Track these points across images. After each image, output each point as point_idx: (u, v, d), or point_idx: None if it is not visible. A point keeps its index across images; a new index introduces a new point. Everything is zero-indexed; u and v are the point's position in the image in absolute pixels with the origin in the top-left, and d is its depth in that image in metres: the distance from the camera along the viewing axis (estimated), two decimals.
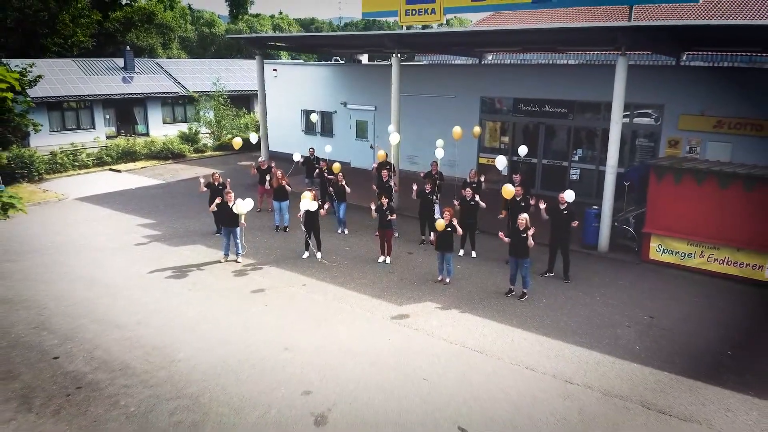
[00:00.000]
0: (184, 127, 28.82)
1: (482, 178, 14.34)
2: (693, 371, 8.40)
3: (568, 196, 11.41)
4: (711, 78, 15.83)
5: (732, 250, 11.84)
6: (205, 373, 8.22)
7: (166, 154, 25.03)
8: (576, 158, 18.14)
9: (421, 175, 14.94)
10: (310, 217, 12.60)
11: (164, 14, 46.32)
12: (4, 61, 20.07)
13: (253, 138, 16.79)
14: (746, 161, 13.41)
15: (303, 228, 12.73)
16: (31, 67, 19.45)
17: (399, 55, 16.32)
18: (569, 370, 8.38)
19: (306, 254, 13.10)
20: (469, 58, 23.02)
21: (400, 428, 7.06)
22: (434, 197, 13.50)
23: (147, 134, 30.69)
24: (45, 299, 10.81)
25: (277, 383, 7.99)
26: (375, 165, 16.31)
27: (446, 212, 11.34)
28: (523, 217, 10.66)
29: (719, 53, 19.89)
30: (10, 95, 9.21)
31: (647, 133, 16.87)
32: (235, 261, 12.79)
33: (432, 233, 12.45)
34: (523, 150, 15.10)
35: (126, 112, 31.49)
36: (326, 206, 13.89)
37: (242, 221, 12.37)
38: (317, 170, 16.25)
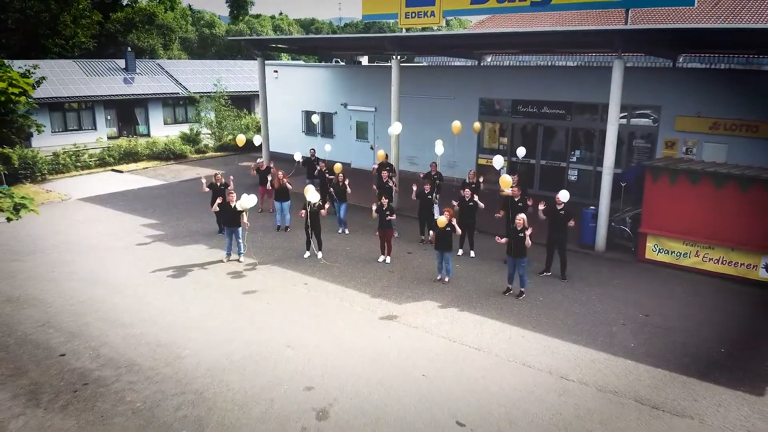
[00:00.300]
0: (184, 128, 29.02)
1: (481, 179, 14.54)
2: (686, 368, 8.59)
3: (563, 196, 11.63)
4: (707, 80, 16.03)
5: (726, 249, 12.03)
6: (209, 370, 8.42)
7: (167, 155, 25.23)
8: (574, 159, 18.34)
9: (421, 175, 15.12)
10: (312, 217, 12.79)
11: (165, 15, 46.50)
12: (8, 62, 20.19)
13: (257, 140, 17.00)
14: (742, 162, 13.61)
15: (309, 227, 12.87)
16: (35, 68, 19.63)
17: (399, 57, 16.52)
18: (565, 367, 8.57)
19: (307, 254, 13.29)
20: (468, 59, 23.21)
21: (399, 423, 7.25)
22: (434, 198, 13.70)
23: (148, 135, 30.87)
24: (51, 298, 11.00)
25: (280, 379, 8.18)
26: (375, 166, 16.50)
27: (446, 212, 11.55)
28: (521, 217, 10.85)
29: (715, 55, 20.09)
30: (23, 99, 9.44)
31: (644, 134, 17.07)
32: (238, 260, 12.98)
33: (431, 231, 12.64)
34: (521, 151, 15.29)
35: (127, 112, 31.68)
36: (327, 206, 14.08)
37: (246, 221, 12.54)
38: (318, 170, 16.43)
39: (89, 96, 29.20)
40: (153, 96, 31.76)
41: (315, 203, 12.62)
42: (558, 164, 18.65)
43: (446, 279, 11.85)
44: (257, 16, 64.70)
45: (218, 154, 27.14)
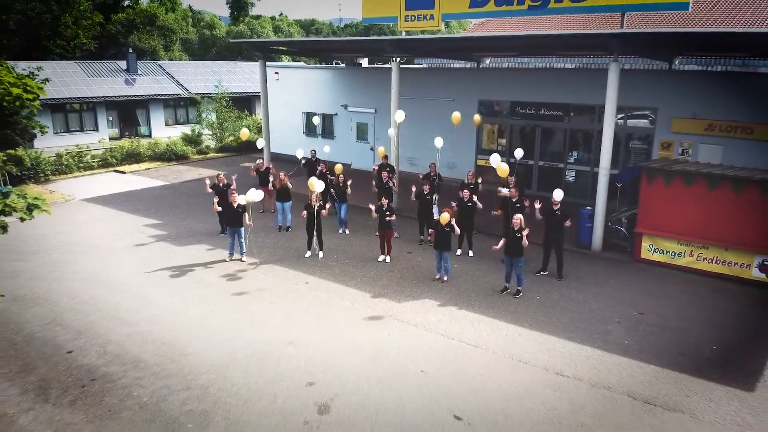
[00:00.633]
0: (185, 129, 29.24)
1: (479, 180, 14.75)
2: (679, 365, 8.80)
3: (557, 195, 11.87)
4: (703, 82, 16.25)
5: (720, 249, 12.24)
6: (213, 366, 8.63)
7: (169, 156, 25.46)
8: (571, 160, 18.56)
9: (420, 176, 15.31)
10: (314, 217, 13.01)
11: (166, 16, 46.71)
12: (12, 64, 20.40)
13: (260, 143, 17.23)
14: (737, 163, 13.83)
15: (314, 226, 13.10)
16: (39, 70, 19.85)
17: (398, 59, 16.73)
18: (560, 363, 8.78)
19: (308, 253, 13.50)
20: (467, 62, 23.43)
21: (398, 417, 7.46)
22: (433, 198, 13.90)
23: (149, 136, 31.08)
24: (56, 297, 11.20)
25: (282, 375, 8.39)
26: (376, 167, 16.69)
27: (446, 211, 11.76)
28: (518, 218, 11.07)
29: (711, 57, 20.31)
30: (36, 104, 9.67)
31: (641, 136, 17.28)
32: (240, 260, 13.18)
33: (430, 230, 12.83)
34: (518, 153, 15.49)
35: (129, 113, 31.87)
36: (328, 206, 14.28)
37: (249, 222, 12.74)
38: (318, 171, 16.61)
39: (91, 97, 29.40)
40: (154, 97, 31.97)
41: (317, 202, 12.86)
42: (556, 165, 18.86)
43: (445, 278, 12.06)
44: (257, 17, 64.88)
45: (219, 155, 27.36)
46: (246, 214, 12.73)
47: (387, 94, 17.28)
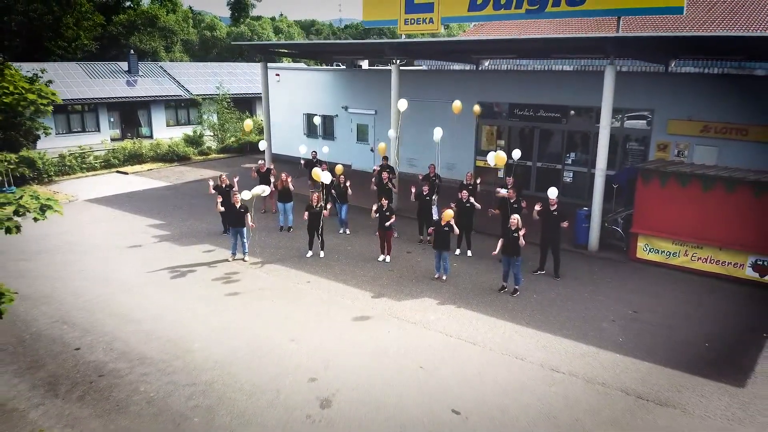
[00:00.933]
0: (186, 130, 29.44)
1: (478, 181, 14.96)
2: (672, 361, 9.02)
3: (552, 193, 12.09)
4: (699, 84, 16.47)
5: (714, 249, 12.47)
6: (217, 362, 8.85)
7: (171, 157, 25.67)
8: (569, 161, 18.78)
9: (420, 177, 15.52)
10: (315, 218, 13.23)
11: (167, 18, 46.94)
12: (16, 65, 20.60)
13: (262, 145, 17.43)
14: (732, 164, 14.04)
15: (318, 226, 13.34)
16: (43, 72, 20.06)
17: (398, 61, 16.93)
18: (556, 360, 9.00)
19: (310, 253, 13.72)
20: (467, 64, 23.64)
21: (397, 411, 7.68)
22: (432, 199, 14.12)
23: (151, 137, 31.30)
24: (62, 295, 11.42)
25: (285, 371, 8.61)
26: (377, 168, 16.87)
27: (450, 209, 12.00)
28: (515, 218, 11.30)
29: (707, 59, 20.51)
30: (50, 108, 9.89)
31: (638, 137, 17.50)
32: (242, 260, 13.39)
33: (430, 228, 13.05)
34: (516, 153, 15.69)
35: (130, 115, 32.08)
36: (329, 207, 14.50)
37: (251, 222, 12.95)
38: None
39: (93, 98, 29.59)
40: (155, 98, 32.18)
41: (319, 203, 13.08)
42: (554, 166, 19.08)
43: (444, 277, 12.28)
44: (258, 18, 65.10)
45: (221, 155, 27.58)
46: (248, 215, 12.94)
47: (387, 95, 17.47)
